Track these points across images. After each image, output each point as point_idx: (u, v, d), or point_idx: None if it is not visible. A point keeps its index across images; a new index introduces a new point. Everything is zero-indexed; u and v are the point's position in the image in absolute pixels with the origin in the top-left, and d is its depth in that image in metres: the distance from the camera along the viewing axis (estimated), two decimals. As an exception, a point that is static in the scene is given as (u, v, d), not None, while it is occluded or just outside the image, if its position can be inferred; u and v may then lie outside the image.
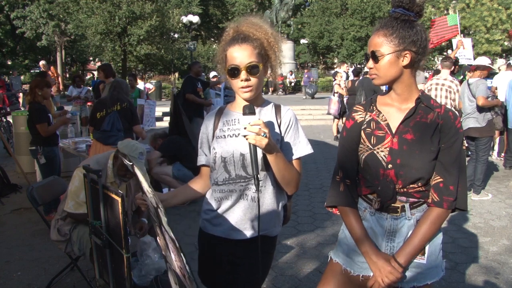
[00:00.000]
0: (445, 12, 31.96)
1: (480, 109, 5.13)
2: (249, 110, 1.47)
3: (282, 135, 1.67)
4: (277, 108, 1.71)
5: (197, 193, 1.83)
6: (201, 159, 1.78)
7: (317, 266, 3.48)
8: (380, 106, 1.61)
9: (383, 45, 1.49)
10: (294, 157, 1.67)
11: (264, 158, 1.57)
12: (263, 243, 1.68)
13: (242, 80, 1.57)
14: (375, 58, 1.51)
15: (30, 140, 4.69)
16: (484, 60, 5.38)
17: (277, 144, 1.61)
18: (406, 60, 1.50)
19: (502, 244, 3.91)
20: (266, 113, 1.68)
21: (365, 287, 1.62)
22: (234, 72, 1.58)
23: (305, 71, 23.58)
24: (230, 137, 1.66)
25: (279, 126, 1.67)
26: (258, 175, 1.53)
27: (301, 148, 1.68)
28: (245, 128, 1.45)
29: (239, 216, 1.67)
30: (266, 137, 1.44)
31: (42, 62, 12.83)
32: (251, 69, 1.57)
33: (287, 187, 1.66)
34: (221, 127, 1.71)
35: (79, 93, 9.11)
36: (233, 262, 1.72)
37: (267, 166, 1.59)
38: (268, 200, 1.67)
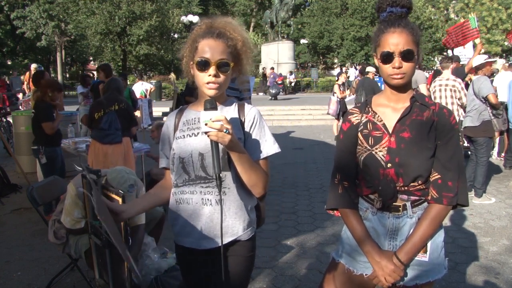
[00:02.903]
0: (445, 12, 31.97)
1: (492, 106, 5.06)
2: (210, 105, 1.39)
3: (247, 133, 1.59)
4: (241, 106, 1.63)
5: (161, 198, 1.75)
6: (162, 162, 1.70)
7: (317, 266, 3.48)
8: (375, 107, 1.62)
9: (413, 44, 1.48)
10: (261, 156, 1.59)
11: (226, 157, 1.49)
12: (238, 248, 1.62)
13: (210, 75, 1.49)
14: (411, 57, 1.47)
15: (32, 140, 4.70)
16: (480, 59, 5.35)
17: (241, 143, 1.52)
18: (420, 58, 1.53)
19: (502, 244, 3.91)
20: (228, 111, 1.60)
21: (367, 286, 1.62)
22: (203, 65, 1.50)
23: (271, 71, 22.78)
24: (189, 136, 1.59)
25: (243, 125, 1.59)
26: (220, 175, 1.44)
27: (267, 147, 1.60)
28: (206, 124, 1.36)
29: (206, 223, 1.57)
30: (229, 133, 1.36)
31: (33, 66, 12.68)
32: (222, 66, 1.50)
33: (254, 189, 1.57)
34: (181, 127, 1.63)
35: (88, 92, 9.14)
36: (212, 272, 1.64)
37: (229, 165, 1.51)
38: (235, 203, 1.57)
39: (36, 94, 4.77)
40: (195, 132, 1.58)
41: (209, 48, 1.50)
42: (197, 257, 1.65)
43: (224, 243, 1.54)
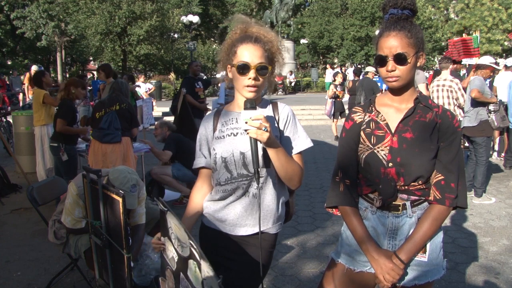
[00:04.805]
0: (445, 12, 31.98)
1: (474, 104, 5.11)
2: (250, 104, 1.48)
3: (281, 130, 1.69)
4: (275, 105, 1.74)
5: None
6: (201, 161, 1.76)
7: (317, 266, 3.48)
8: (379, 106, 1.63)
9: (409, 46, 1.49)
10: (295, 151, 1.69)
11: (265, 154, 1.57)
12: (262, 241, 1.68)
13: (250, 79, 1.58)
14: (404, 60, 1.48)
15: (32, 138, 4.79)
16: (486, 59, 5.37)
17: (277, 140, 1.61)
18: (421, 60, 1.54)
19: (502, 244, 3.91)
20: (264, 111, 1.69)
21: (368, 283, 1.62)
22: (243, 69, 1.58)
23: None
24: (228, 136, 1.67)
25: (278, 122, 1.69)
26: (259, 170, 1.53)
27: (301, 142, 1.70)
28: (246, 123, 1.45)
29: (240, 212, 1.68)
30: (267, 131, 1.44)
31: (34, 67, 12.59)
32: (261, 70, 1.59)
33: (290, 182, 1.67)
34: (220, 127, 1.72)
35: (86, 92, 9.15)
36: (233, 258, 1.72)
37: (267, 162, 1.60)
38: (268, 197, 1.68)
39: (61, 93, 4.90)
40: (234, 132, 1.67)
41: (248, 53, 1.59)
42: (223, 242, 1.73)
43: (252, 233, 1.67)
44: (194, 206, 1.80)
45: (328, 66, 24.34)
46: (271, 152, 1.54)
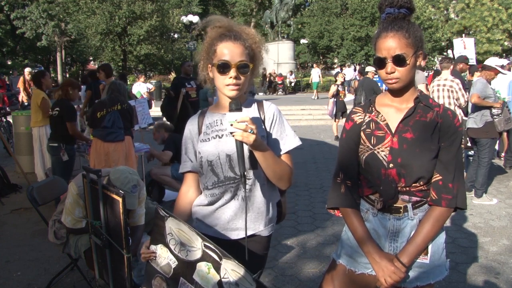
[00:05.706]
0: (445, 12, 31.97)
1: (475, 108, 5.12)
2: (235, 106, 1.42)
3: (268, 130, 1.65)
4: (260, 104, 1.69)
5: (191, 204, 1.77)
6: (187, 166, 1.71)
7: (317, 266, 3.48)
8: (379, 107, 1.62)
9: (407, 47, 1.47)
10: (283, 151, 1.65)
11: (251, 155, 1.52)
12: (255, 243, 1.66)
13: (231, 78, 1.53)
14: (403, 61, 1.46)
15: (30, 137, 4.77)
16: (492, 61, 5.35)
17: (264, 140, 1.57)
18: (420, 60, 1.52)
19: (502, 244, 3.91)
20: (249, 111, 1.65)
21: (368, 285, 1.62)
22: (223, 68, 1.53)
23: None
24: (213, 138, 1.63)
25: (264, 122, 1.65)
26: (246, 173, 1.49)
27: (289, 141, 1.66)
28: (231, 125, 1.40)
29: (230, 217, 1.63)
30: (253, 133, 1.40)
31: (27, 70, 12.46)
32: (242, 68, 1.54)
33: (279, 183, 1.63)
34: (204, 130, 1.67)
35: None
36: None
37: (254, 164, 1.54)
38: (258, 199, 1.64)
39: (58, 93, 4.89)
40: (219, 134, 1.62)
41: (228, 51, 1.54)
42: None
43: (244, 237, 1.61)
44: (180, 212, 1.74)
45: (314, 65, 24.06)
46: (257, 154, 1.50)
